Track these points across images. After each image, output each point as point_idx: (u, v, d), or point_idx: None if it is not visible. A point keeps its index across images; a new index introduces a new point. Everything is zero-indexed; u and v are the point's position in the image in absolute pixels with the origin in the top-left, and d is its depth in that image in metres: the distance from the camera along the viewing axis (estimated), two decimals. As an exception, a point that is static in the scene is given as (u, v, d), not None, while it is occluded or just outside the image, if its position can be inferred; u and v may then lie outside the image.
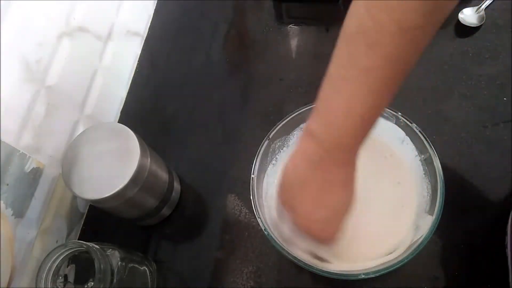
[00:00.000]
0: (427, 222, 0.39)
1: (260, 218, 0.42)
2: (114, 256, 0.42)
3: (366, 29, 0.29)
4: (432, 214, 0.39)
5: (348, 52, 0.31)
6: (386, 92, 0.31)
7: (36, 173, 0.47)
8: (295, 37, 0.64)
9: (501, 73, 0.53)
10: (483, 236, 0.45)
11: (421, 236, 0.38)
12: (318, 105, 0.34)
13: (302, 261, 0.39)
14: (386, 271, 0.37)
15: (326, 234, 0.38)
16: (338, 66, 0.32)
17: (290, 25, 0.65)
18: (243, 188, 0.53)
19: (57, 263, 0.40)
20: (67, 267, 0.41)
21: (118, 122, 0.63)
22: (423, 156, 0.44)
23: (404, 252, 0.38)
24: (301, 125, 0.49)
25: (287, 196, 0.39)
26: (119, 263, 0.42)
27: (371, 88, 0.30)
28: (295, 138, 0.49)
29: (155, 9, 0.73)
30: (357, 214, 0.44)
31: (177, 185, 0.54)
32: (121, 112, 0.64)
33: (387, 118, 0.45)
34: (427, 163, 0.43)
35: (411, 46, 0.29)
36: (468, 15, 0.58)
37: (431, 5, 0.27)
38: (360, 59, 0.30)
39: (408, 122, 0.43)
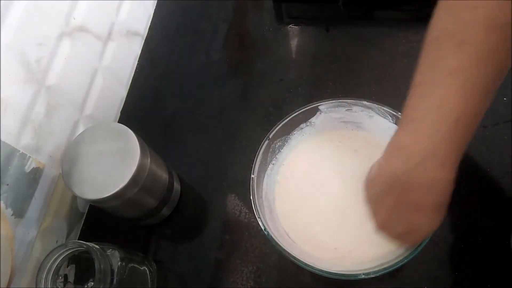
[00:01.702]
0: (427, 222, 0.39)
1: (260, 218, 0.42)
2: (114, 256, 0.42)
3: (453, 31, 0.28)
4: (432, 214, 0.39)
5: (434, 56, 0.30)
6: (481, 93, 0.29)
7: (36, 173, 0.47)
8: (295, 37, 0.64)
9: (501, 73, 0.53)
10: (483, 236, 0.45)
11: (421, 236, 0.38)
12: (405, 115, 0.31)
13: (302, 261, 0.39)
14: (386, 271, 0.37)
15: (406, 243, 0.37)
16: (424, 72, 0.30)
17: (290, 25, 0.65)
18: (243, 188, 0.53)
19: (57, 263, 0.40)
20: (67, 267, 0.41)
21: (118, 122, 0.63)
22: (423, 156, 0.44)
23: (404, 252, 0.38)
24: (301, 125, 0.49)
25: (372, 195, 0.38)
26: (119, 263, 0.42)
27: (463, 89, 0.28)
28: (295, 138, 0.49)
29: (155, 9, 0.73)
30: (357, 214, 0.44)
31: (177, 185, 0.54)
32: (121, 112, 0.64)
33: (387, 118, 0.45)
34: (427, 163, 0.43)
35: (500, 43, 0.27)
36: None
37: None
38: (448, 60, 0.28)
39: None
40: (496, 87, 0.30)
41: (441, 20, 0.29)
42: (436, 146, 0.29)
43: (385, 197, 0.35)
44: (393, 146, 0.33)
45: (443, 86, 0.29)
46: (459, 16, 0.28)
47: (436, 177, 0.30)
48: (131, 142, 0.44)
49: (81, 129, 0.54)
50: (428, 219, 0.33)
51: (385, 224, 0.37)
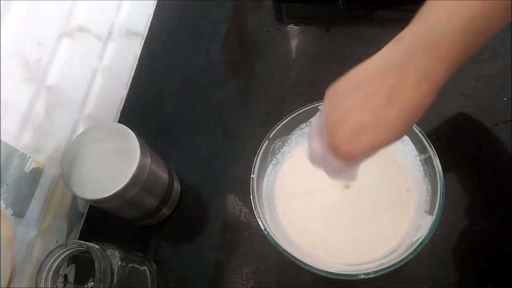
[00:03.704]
0: (427, 222, 0.39)
1: (260, 218, 0.42)
2: (114, 256, 0.42)
3: None
4: (432, 214, 0.39)
5: None
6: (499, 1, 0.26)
7: (36, 173, 0.47)
8: (295, 37, 0.64)
9: (501, 73, 0.53)
10: (483, 236, 0.45)
11: (421, 236, 0.38)
12: (418, 14, 0.28)
13: (302, 261, 0.39)
14: (386, 271, 0.37)
15: (351, 144, 0.30)
16: None
17: (290, 25, 0.65)
18: (243, 188, 0.53)
19: (57, 263, 0.40)
20: (67, 267, 0.41)
21: (118, 122, 0.63)
22: (423, 156, 0.44)
23: (404, 252, 0.38)
24: (301, 125, 0.49)
25: (336, 99, 0.31)
26: (119, 263, 0.42)
27: None
28: (295, 138, 0.49)
29: (155, 9, 0.73)
30: (356, 214, 0.44)
31: (177, 185, 0.54)
32: (121, 112, 0.64)
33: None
34: (427, 163, 0.43)
35: None
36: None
37: None
38: None
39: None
40: None
41: None
42: (442, 38, 0.27)
43: (366, 85, 0.29)
44: (396, 40, 0.29)
45: None
46: None
47: (433, 70, 0.27)
48: (131, 142, 0.44)
49: (81, 129, 0.54)
50: (401, 117, 0.29)
51: (339, 119, 0.30)
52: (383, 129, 0.29)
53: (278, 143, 0.48)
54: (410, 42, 0.28)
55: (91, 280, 0.39)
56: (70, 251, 0.40)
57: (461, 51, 0.27)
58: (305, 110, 0.47)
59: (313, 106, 0.47)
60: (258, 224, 0.41)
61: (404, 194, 0.45)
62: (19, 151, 0.44)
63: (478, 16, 0.26)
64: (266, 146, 0.46)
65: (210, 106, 0.61)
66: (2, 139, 0.42)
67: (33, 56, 0.47)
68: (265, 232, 0.41)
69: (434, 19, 0.27)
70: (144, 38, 0.70)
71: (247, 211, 0.52)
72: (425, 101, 0.28)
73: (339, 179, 0.36)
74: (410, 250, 0.37)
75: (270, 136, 0.46)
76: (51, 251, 0.39)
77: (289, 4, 0.68)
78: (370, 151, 0.30)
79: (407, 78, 0.28)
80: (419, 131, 0.43)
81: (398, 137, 0.30)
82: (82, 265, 0.41)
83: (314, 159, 0.36)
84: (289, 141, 0.49)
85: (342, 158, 0.31)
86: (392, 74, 0.28)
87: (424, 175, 0.44)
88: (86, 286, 0.40)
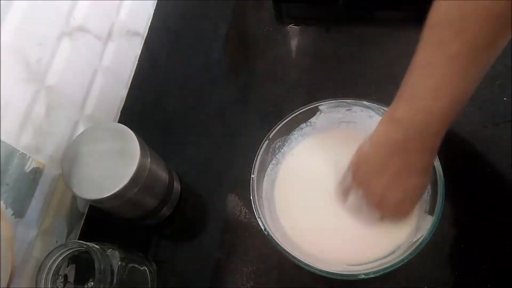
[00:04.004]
0: (427, 222, 0.39)
1: (260, 218, 0.42)
2: (114, 256, 0.42)
3: (452, 18, 0.30)
4: (432, 214, 0.39)
5: (435, 41, 0.32)
6: (474, 76, 0.32)
7: (36, 173, 0.47)
8: (295, 37, 0.64)
9: (501, 73, 0.53)
10: (483, 236, 0.45)
11: (421, 236, 0.38)
12: (404, 91, 0.34)
13: (302, 261, 0.39)
14: (386, 271, 0.37)
15: (400, 214, 0.41)
16: (425, 55, 0.33)
17: (290, 25, 0.65)
18: (243, 188, 0.53)
19: (57, 263, 0.40)
20: (67, 267, 0.41)
21: (118, 122, 0.63)
22: (423, 156, 0.44)
23: (404, 252, 0.38)
24: (301, 125, 0.49)
25: (362, 176, 0.39)
26: (119, 263, 0.42)
27: (460, 74, 0.31)
28: (295, 138, 0.49)
29: (155, 9, 0.73)
30: (356, 214, 0.44)
31: (177, 185, 0.54)
32: (121, 112, 0.64)
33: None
34: (427, 163, 0.43)
35: (497, 32, 0.30)
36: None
37: None
38: (448, 46, 0.31)
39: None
40: (486, 71, 0.32)
41: (443, 7, 0.31)
42: (432, 120, 0.33)
43: (386, 167, 0.37)
44: (390, 120, 0.36)
45: (442, 69, 0.31)
46: (460, 3, 0.29)
47: (429, 146, 0.35)
48: (131, 142, 0.44)
49: (81, 129, 0.54)
50: (420, 182, 0.38)
51: (382, 199, 0.39)
52: (412, 195, 0.39)
53: (278, 143, 0.48)
54: (402, 128, 0.34)
55: (91, 280, 0.39)
56: (70, 251, 0.40)
57: (446, 124, 0.34)
58: (305, 110, 0.47)
59: (313, 106, 0.47)
60: (258, 224, 0.41)
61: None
62: (19, 151, 0.44)
63: (457, 96, 0.32)
64: (266, 146, 0.46)
65: (210, 106, 0.61)
66: (2, 139, 0.42)
67: (33, 56, 0.47)
68: (265, 232, 0.41)
69: (419, 105, 0.33)
70: (144, 38, 0.70)
71: (247, 211, 0.52)
72: (431, 163, 0.37)
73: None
74: (410, 250, 0.37)
75: (270, 136, 0.46)
76: (51, 251, 0.40)
77: (289, 4, 0.68)
78: (412, 209, 0.41)
79: (411, 156, 0.35)
80: (419, 131, 0.43)
81: (423, 191, 0.39)
82: (82, 265, 0.41)
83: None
84: (289, 141, 0.49)
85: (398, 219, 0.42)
86: (400, 156, 0.36)
87: (424, 175, 0.44)
88: (86, 286, 0.40)
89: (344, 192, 0.43)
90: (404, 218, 0.41)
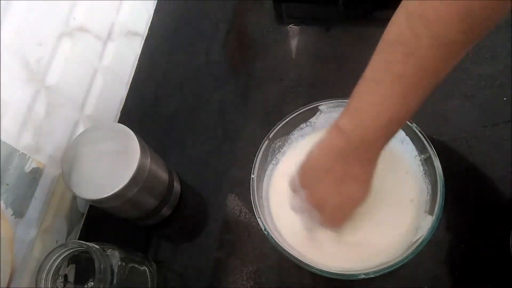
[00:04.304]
0: (427, 222, 0.39)
1: (260, 218, 0.42)
2: (114, 256, 0.42)
3: (404, 39, 0.31)
4: (432, 214, 0.39)
5: (385, 58, 0.33)
6: (416, 99, 0.33)
7: (36, 173, 0.47)
8: (295, 37, 0.64)
9: (501, 73, 0.53)
10: (483, 236, 0.45)
11: (421, 236, 0.38)
12: (351, 103, 0.36)
13: (302, 261, 0.39)
14: (386, 271, 0.37)
15: (335, 220, 0.41)
16: (374, 70, 0.34)
17: (290, 25, 0.65)
18: (243, 188, 0.53)
19: (57, 263, 0.40)
20: (67, 267, 0.41)
21: (118, 122, 0.63)
22: (423, 156, 0.44)
23: (404, 252, 0.38)
24: (301, 125, 0.49)
25: (307, 179, 0.40)
26: (119, 263, 0.42)
27: (402, 94, 0.32)
28: (295, 138, 0.49)
29: (155, 9, 0.73)
30: (356, 214, 0.44)
31: (177, 185, 0.54)
32: (121, 112, 0.64)
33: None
34: (427, 163, 0.43)
35: (445, 59, 0.31)
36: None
37: (469, 23, 0.28)
38: (395, 66, 0.32)
39: (408, 122, 0.43)
40: (430, 94, 0.33)
41: (398, 25, 0.32)
42: (370, 136, 0.35)
43: (328, 173, 0.38)
44: (337, 128, 0.37)
45: (386, 87, 0.32)
46: (413, 26, 0.30)
47: (367, 157, 0.37)
48: (131, 142, 0.44)
49: (81, 129, 0.54)
50: (357, 191, 0.39)
51: (321, 202, 0.40)
52: (351, 201, 0.40)
53: (278, 143, 0.48)
54: (345, 138, 0.36)
55: (91, 280, 0.39)
56: (70, 251, 0.40)
57: (385, 139, 0.35)
58: (305, 110, 0.47)
59: (313, 106, 0.47)
60: (258, 224, 0.41)
61: (404, 194, 0.45)
62: (19, 151, 0.44)
63: (397, 114, 0.33)
64: (266, 146, 0.46)
65: (210, 106, 0.61)
66: (2, 139, 0.42)
67: (33, 56, 0.47)
68: (265, 232, 0.41)
69: (363, 119, 0.34)
70: (144, 38, 0.70)
71: (247, 211, 0.52)
72: (370, 173, 0.38)
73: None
74: (410, 250, 0.37)
75: (270, 136, 0.46)
76: (51, 251, 0.40)
77: (289, 4, 0.68)
78: (347, 218, 0.41)
79: (352, 164, 0.37)
80: (419, 131, 0.43)
81: (358, 202, 0.40)
82: (82, 265, 0.41)
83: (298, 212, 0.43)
84: (289, 141, 0.49)
85: (330, 228, 0.42)
86: (342, 163, 0.37)
87: (424, 175, 0.44)
88: (86, 286, 0.40)
89: (293, 191, 0.43)
90: (337, 227, 0.42)
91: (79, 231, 0.55)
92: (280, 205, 0.46)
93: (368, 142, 0.35)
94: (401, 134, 0.45)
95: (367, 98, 0.34)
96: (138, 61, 0.68)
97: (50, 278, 0.39)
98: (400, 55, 0.31)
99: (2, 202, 0.42)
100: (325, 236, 0.44)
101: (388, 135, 0.35)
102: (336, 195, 0.39)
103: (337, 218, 0.41)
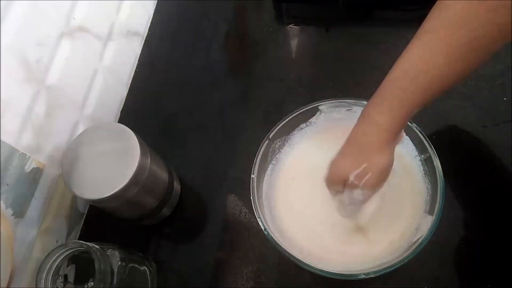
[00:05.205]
0: (427, 222, 0.39)
1: (260, 218, 0.42)
2: (114, 256, 0.42)
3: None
4: (432, 214, 0.39)
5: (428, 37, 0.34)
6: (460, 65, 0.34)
7: (36, 173, 0.47)
8: (295, 37, 0.64)
9: (501, 73, 0.53)
10: (483, 236, 0.45)
11: (421, 236, 0.38)
12: (378, 93, 0.37)
13: (302, 261, 0.39)
14: (386, 271, 0.37)
15: (380, 181, 0.40)
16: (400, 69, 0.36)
17: (290, 25, 0.65)
18: (243, 188, 0.53)
19: (57, 263, 0.40)
20: (67, 267, 0.41)
21: (118, 122, 0.63)
22: (423, 156, 0.44)
23: (404, 252, 0.38)
24: (301, 125, 0.49)
25: (333, 163, 0.41)
26: (119, 263, 0.42)
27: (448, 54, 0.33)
28: (295, 138, 0.49)
29: (155, 9, 0.73)
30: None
31: (177, 185, 0.54)
32: (121, 112, 0.64)
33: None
34: (427, 163, 0.43)
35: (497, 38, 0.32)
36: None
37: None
38: (444, 31, 0.32)
39: (408, 122, 0.43)
40: (474, 66, 0.34)
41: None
42: (394, 125, 0.37)
43: (351, 148, 0.39)
44: (364, 116, 0.38)
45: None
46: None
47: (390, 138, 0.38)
48: (131, 142, 0.44)
49: (81, 129, 0.54)
50: (382, 158, 0.38)
51: (349, 166, 0.39)
52: (388, 166, 0.39)
53: (278, 143, 0.48)
54: (359, 143, 0.38)
55: (91, 280, 0.39)
56: (70, 251, 0.40)
57: (402, 124, 0.37)
58: (305, 110, 0.47)
59: (313, 106, 0.47)
60: (258, 224, 0.41)
61: (404, 194, 0.45)
62: (19, 151, 0.44)
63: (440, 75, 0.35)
64: (266, 146, 0.46)
65: (210, 106, 0.61)
66: (2, 139, 0.42)
67: (33, 56, 0.47)
68: (265, 232, 0.41)
69: (381, 121, 0.36)
70: (144, 38, 0.70)
71: (247, 211, 0.52)
72: (389, 159, 0.39)
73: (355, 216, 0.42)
74: (410, 250, 0.37)
75: (270, 136, 0.46)
76: (51, 251, 0.40)
77: (289, 4, 0.68)
78: (377, 187, 0.40)
79: (371, 135, 0.38)
80: (419, 131, 0.43)
81: (390, 165, 0.39)
82: (82, 265, 0.41)
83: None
84: (289, 141, 0.49)
85: (376, 189, 0.40)
86: (362, 136, 0.39)
87: (424, 175, 0.44)
88: (86, 286, 0.40)
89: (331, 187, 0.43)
90: (373, 190, 0.40)
91: (79, 231, 0.55)
92: (286, 204, 0.46)
93: (393, 129, 0.36)
94: (401, 134, 0.45)
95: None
96: (138, 61, 0.68)
97: (50, 278, 0.39)
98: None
99: (2, 202, 0.42)
100: (327, 231, 0.44)
101: (404, 123, 0.36)
102: (361, 160, 0.39)
103: (381, 179, 0.40)
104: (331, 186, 0.42)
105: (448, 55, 0.33)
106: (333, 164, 0.41)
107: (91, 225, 0.56)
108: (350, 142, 0.40)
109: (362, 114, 0.39)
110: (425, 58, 0.34)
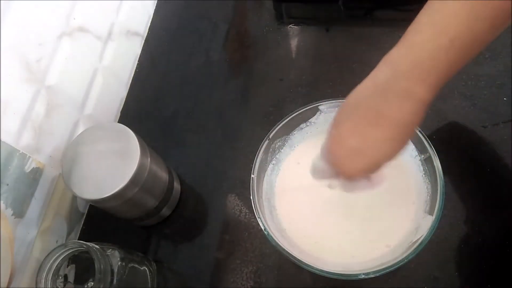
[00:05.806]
0: (427, 222, 0.39)
1: (260, 218, 0.42)
2: (114, 256, 0.42)
3: None
4: (432, 214, 0.39)
5: None
6: (485, 20, 0.27)
7: (36, 173, 0.47)
8: (295, 37, 0.64)
9: (501, 73, 0.53)
10: (483, 236, 0.45)
11: (421, 236, 0.38)
12: (404, 34, 0.30)
13: (302, 261, 0.39)
14: (386, 271, 0.37)
15: (350, 166, 0.32)
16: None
17: (290, 25, 0.65)
18: (243, 188, 0.53)
19: (57, 263, 0.40)
20: (67, 267, 0.41)
21: (118, 122, 0.63)
22: (423, 156, 0.44)
23: (404, 252, 0.38)
24: (301, 125, 0.49)
25: (338, 118, 0.33)
26: (119, 263, 0.42)
27: (467, 13, 0.27)
28: (295, 138, 0.49)
29: (155, 9, 0.73)
30: (356, 214, 0.44)
31: (177, 185, 0.54)
32: (121, 112, 0.64)
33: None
34: (427, 163, 0.43)
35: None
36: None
37: None
38: None
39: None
40: (501, 23, 0.28)
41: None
42: (423, 60, 0.28)
43: (357, 109, 0.31)
44: (382, 61, 0.31)
45: (448, 6, 0.27)
46: None
47: (414, 91, 0.29)
48: (131, 142, 0.44)
49: (81, 129, 0.54)
50: (385, 136, 0.30)
51: (337, 139, 0.32)
52: (371, 150, 0.31)
53: (278, 143, 0.48)
54: (392, 65, 0.29)
55: (91, 280, 0.39)
56: (70, 251, 0.40)
57: (442, 72, 0.28)
58: (305, 110, 0.47)
59: (313, 106, 0.47)
60: (258, 224, 0.41)
61: (404, 194, 0.45)
62: (19, 151, 0.44)
63: (460, 36, 0.27)
64: (266, 146, 0.46)
65: (210, 106, 0.61)
66: (2, 139, 0.42)
67: (33, 56, 0.47)
68: (265, 232, 0.41)
69: (416, 41, 0.29)
70: (144, 38, 0.70)
71: (247, 211, 0.52)
72: (411, 120, 0.30)
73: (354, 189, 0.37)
74: (410, 250, 0.37)
75: (270, 136, 0.46)
76: (51, 251, 0.39)
77: (289, 4, 0.68)
78: (364, 171, 0.33)
79: (389, 101, 0.29)
80: (419, 131, 0.43)
81: (388, 156, 0.32)
82: (82, 265, 0.41)
83: (316, 174, 0.38)
84: (289, 141, 0.49)
85: (343, 177, 0.34)
86: (376, 97, 0.30)
87: (424, 175, 0.44)
88: (86, 286, 0.40)
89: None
90: (350, 175, 0.33)
91: (79, 231, 0.55)
92: (286, 204, 0.46)
93: (419, 67, 0.28)
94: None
95: (424, 20, 0.28)
96: (138, 61, 0.68)
97: (50, 278, 0.39)
98: None
99: (2, 202, 0.42)
100: (328, 231, 0.44)
101: (448, 63, 0.28)
102: (358, 136, 0.31)
103: (353, 163, 0.32)
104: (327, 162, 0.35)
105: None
106: (337, 116, 0.33)
107: (91, 225, 0.56)
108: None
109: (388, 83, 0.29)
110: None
